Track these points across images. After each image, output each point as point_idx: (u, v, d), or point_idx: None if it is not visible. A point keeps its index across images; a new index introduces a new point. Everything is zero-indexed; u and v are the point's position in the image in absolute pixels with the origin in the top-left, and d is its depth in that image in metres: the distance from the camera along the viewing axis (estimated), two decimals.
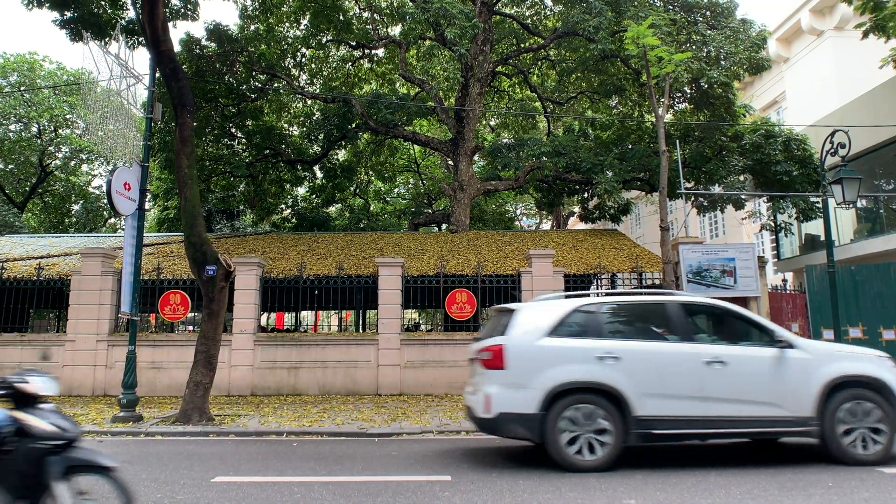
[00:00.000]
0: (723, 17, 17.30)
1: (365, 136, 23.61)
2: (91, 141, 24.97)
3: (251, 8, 20.35)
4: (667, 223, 10.62)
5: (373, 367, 13.36)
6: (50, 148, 29.94)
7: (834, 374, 6.17)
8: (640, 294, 7.03)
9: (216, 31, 18.51)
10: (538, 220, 41.58)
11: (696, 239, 14.28)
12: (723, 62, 16.31)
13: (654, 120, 15.55)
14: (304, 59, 22.25)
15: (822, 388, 6.11)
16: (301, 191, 28.51)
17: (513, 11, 22.49)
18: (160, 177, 23.58)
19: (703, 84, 16.67)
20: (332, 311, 31.77)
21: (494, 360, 6.23)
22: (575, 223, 35.22)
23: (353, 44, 21.54)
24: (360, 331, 21.58)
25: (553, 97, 23.98)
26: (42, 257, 15.47)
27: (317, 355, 13.44)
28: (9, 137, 27.55)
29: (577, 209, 26.58)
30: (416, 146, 27.80)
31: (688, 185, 17.64)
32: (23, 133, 28.56)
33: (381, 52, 23.19)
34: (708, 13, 17.60)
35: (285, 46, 20.85)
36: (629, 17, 15.46)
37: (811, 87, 24.65)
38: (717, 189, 17.64)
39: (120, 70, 10.60)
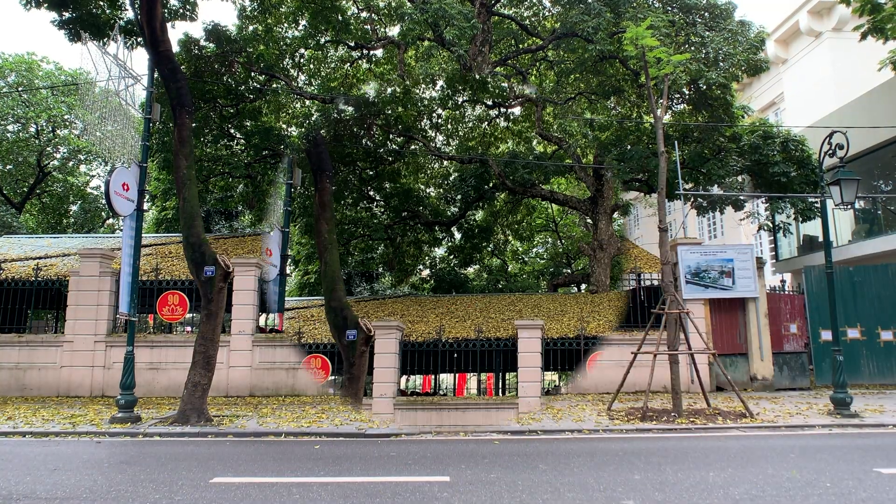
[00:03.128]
0: (721, 19, 17.31)
1: (502, 195, 23.50)
2: (89, 141, 24.99)
3: (250, 8, 20.33)
4: (665, 224, 10.63)
5: None
6: (48, 148, 29.90)
7: None
8: None
9: (215, 32, 18.48)
10: None
11: (695, 240, 14.30)
12: (721, 63, 16.32)
13: (652, 121, 15.56)
14: (302, 60, 22.22)
15: None
16: (440, 251, 28.28)
17: (511, 12, 22.49)
18: (158, 177, 23.54)
19: (701, 85, 16.68)
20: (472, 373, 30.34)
21: None
22: None
23: (352, 44, 21.52)
24: (501, 394, 20.20)
25: (551, 98, 23.99)
26: (40, 258, 15.43)
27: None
28: (7, 138, 27.52)
29: None
30: (553, 205, 27.22)
31: (686, 186, 17.65)
32: (21, 133, 28.52)
33: (379, 52, 23.19)
34: (706, 14, 17.60)
35: (284, 47, 20.83)
36: (628, 19, 15.48)
37: (809, 88, 24.69)
38: (715, 190, 17.66)
39: (118, 70, 10.60)
